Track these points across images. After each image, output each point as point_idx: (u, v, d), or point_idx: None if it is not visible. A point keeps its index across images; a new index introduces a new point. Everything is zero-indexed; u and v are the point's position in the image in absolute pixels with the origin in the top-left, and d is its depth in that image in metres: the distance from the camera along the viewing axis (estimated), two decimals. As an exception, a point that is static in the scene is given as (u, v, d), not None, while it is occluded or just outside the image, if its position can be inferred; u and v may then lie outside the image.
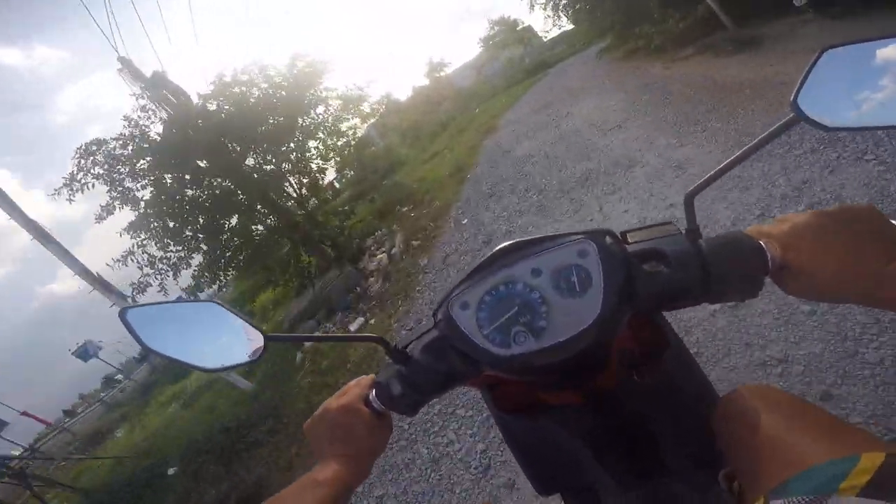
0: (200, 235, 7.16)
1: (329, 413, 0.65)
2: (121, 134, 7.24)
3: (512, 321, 0.55)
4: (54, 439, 15.27)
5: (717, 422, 0.61)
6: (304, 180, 8.56)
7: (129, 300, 6.79)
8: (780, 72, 5.18)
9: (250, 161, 7.91)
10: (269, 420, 4.53)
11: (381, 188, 10.88)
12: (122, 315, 0.60)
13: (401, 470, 2.81)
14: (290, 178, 8.27)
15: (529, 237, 0.60)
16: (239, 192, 7.72)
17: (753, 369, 2.01)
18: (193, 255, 7.28)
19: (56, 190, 6.97)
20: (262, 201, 8.03)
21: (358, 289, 6.76)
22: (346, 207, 8.52)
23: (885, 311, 0.62)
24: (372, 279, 6.72)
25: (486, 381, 0.74)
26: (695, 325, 2.35)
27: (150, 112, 7.17)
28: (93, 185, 6.99)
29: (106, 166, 7.01)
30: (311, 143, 8.35)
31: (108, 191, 7.08)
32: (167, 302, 0.77)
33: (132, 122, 7.23)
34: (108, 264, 6.86)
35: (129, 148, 7.16)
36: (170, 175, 7.41)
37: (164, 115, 7.29)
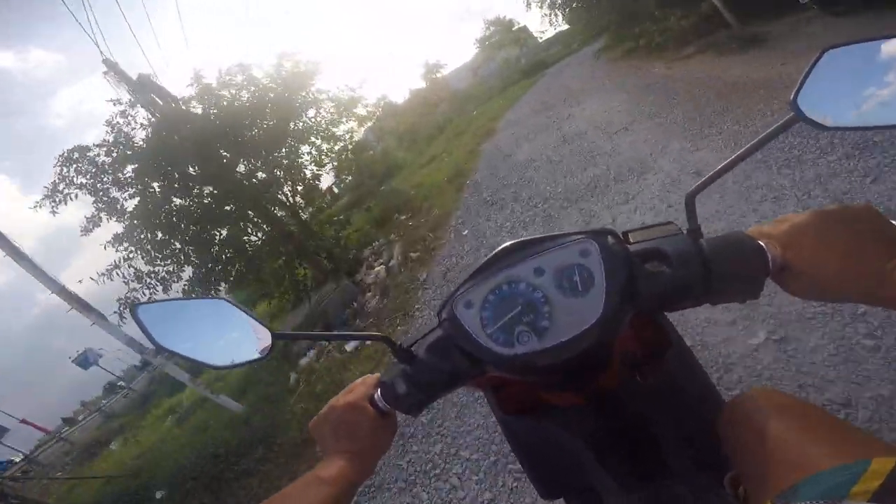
0: (189, 248, 6.83)
1: (334, 411, 0.65)
2: (104, 140, 6.93)
3: (515, 320, 0.55)
4: (52, 448, 15.23)
5: (724, 426, 0.61)
6: (298, 187, 8.26)
7: (117, 317, 6.56)
8: (792, 71, 4.96)
9: (241, 168, 7.61)
10: (260, 447, 4.30)
11: (379, 195, 10.57)
12: (134, 312, 0.61)
13: (399, 517, 2.53)
14: (284, 186, 7.95)
15: (532, 236, 0.60)
16: (230, 200, 7.41)
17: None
18: (184, 268, 6.98)
19: (37, 203, 6.66)
20: (255, 210, 7.75)
21: (355, 304, 6.48)
22: (342, 216, 8.21)
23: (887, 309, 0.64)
24: (369, 294, 6.44)
25: (489, 382, 0.73)
26: (736, 361, 2.07)
27: (130, 117, 6.83)
28: (75, 196, 6.69)
29: (90, 175, 6.71)
30: (304, 148, 8.03)
31: (94, 201, 6.79)
32: (178, 299, 0.84)
33: (115, 128, 6.89)
34: (92, 278, 6.60)
35: (114, 155, 6.86)
36: (157, 183, 7.10)
37: (146, 121, 6.96)
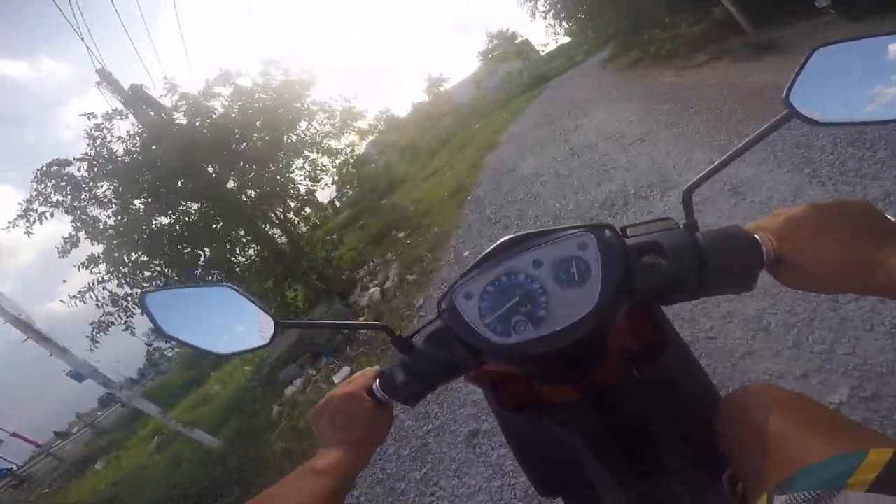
0: (171, 269, 6.37)
1: (332, 401, 0.66)
2: (85, 154, 6.52)
3: (513, 310, 0.55)
4: (42, 463, 15.13)
5: (721, 422, 0.61)
6: (292, 204, 7.82)
7: (89, 342, 6.10)
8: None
9: (231, 184, 7.19)
10: (236, 489, 3.96)
11: (377, 210, 10.14)
12: (142, 300, 0.63)
13: None
14: (276, 202, 7.50)
15: (531, 230, 0.61)
16: (218, 217, 6.98)
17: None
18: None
19: (10, 222, 6.23)
20: (245, 227, 7.33)
21: (346, 330, 6.00)
22: (335, 236, 7.75)
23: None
24: (362, 318, 5.96)
25: (488, 378, 0.74)
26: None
27: (106, 130, 6.42)
28: (51, 215, 6.27)
29: (67, 192, 6.29)
30: (298, 163, 7.61)
31: (72, 220, 6.37)
32: (184, 286, 0.84)
33: (96, 140, 6.48)
34: (62, 301, 6.17)
35: (95, 170, 6.44)
36: (140, 199, 6.67)
37: (128, 133, 6.55)
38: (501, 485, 2.23)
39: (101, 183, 6.30)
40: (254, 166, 6.98)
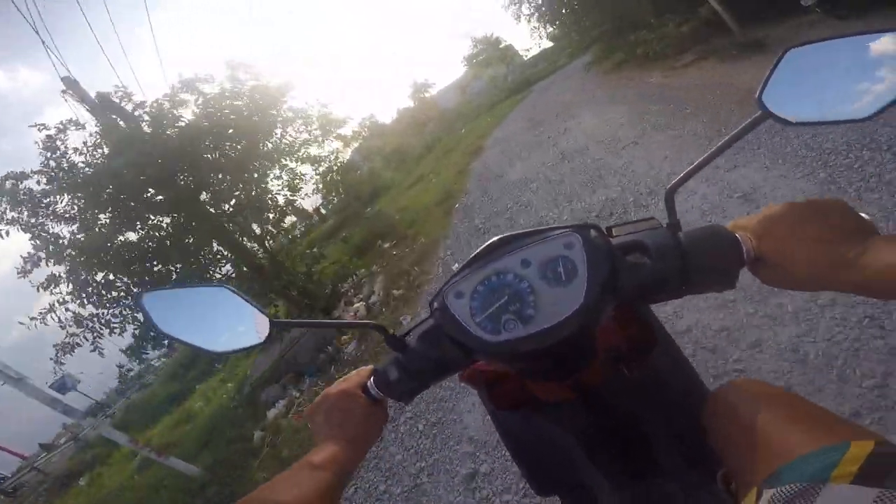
0: (137, 289, 5.95)
1: (328, 399, 0.67)
2: (42, 166, 6.06)
3: (502, 309, 0.56)
4: (27, 476, 14.68)
5: (707, 419, 0.61)
6: (271, 215, 7.44)
7: (54, 364, 5.69)
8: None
9: (204, 195, 6.78)
10: None
11: (362, 218, 9.80)
12: (138, 299, 0.63)
13: None
14: (252, 214, 7.11)
15: (519, 231, 0.62)
16: (191, 231, 6.58)
17: None
18: (136, 312, 6.11)
19: (-39, 241, 5.78)
20: (220, 241, 6.93)
21: (329, 348, 5.67)
22: (315, 249, 7.39)
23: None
24: (346, 336, 5.62)
25: (482, 377, 0.74)
26: None
27: (60, 142, 6.00)
28: (7, 233, 5.82)
29: (24, 208, 5.84)
30: (276, 172, 7.23)
31: (30, 238, 5.92)
32: (180, 286, 0.93)
33: (55, 152, 6.03)
34: (21, 323, 5.73)
35: (54, 184, 6.00)
36: (105, 214, 6.24)
37: (84, 144, 6.13)
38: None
39: (60, 197, 5.85)
40: (227, 177, 6.59)
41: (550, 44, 27.14)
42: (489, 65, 33.08)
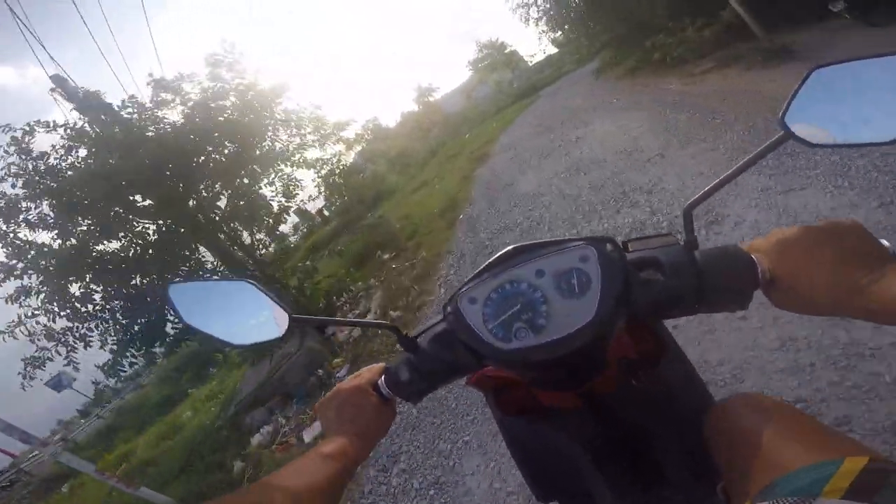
0: (115, 303, 5.52)
1: (340, 393, 0.68)
2: (21, 168, 5.63)
3: (514, 317, 0.56)
4: (14, 476, 14.64)
5: (709, 432, 0.62)
6: (267, 221, 6.99)
7: (23, 377, 5.23)
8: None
9: (193, 203, 6.35)
10: None
11: (363, 224, 9.34)
12: (165, 291, 0.65)
13: None
14: (245, 221, 6.67)
15: (535, 241, 0.62)
16: (178, 240, 6.16)
17: None
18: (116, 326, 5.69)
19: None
20: (209, 249, 6.50)
21: (320, 371, 5.23)
22: (308, 262, 6.94)
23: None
24: (338, 359, 5.17)
25: (490, 383, 0.75)
26: None
27: (27, 142, 5.58)
28: (-24, 244, 5.39)
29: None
30: (270, 177, 6.80)
31: (2, 246, 5.50)
32: (205, 279, 0.98)
33: (28, 154, 5.61)
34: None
35: (30, 188, 5.58)
36: (87, 220, 5.81)
37: (52, 147, 5.71)
38: None
39: (35, 203, 5.43)
40: (217, 183, 6.16)
41: (555, 50, 26.84)
42: (494, 69, 32.79)
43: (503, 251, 0.62)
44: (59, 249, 5.55)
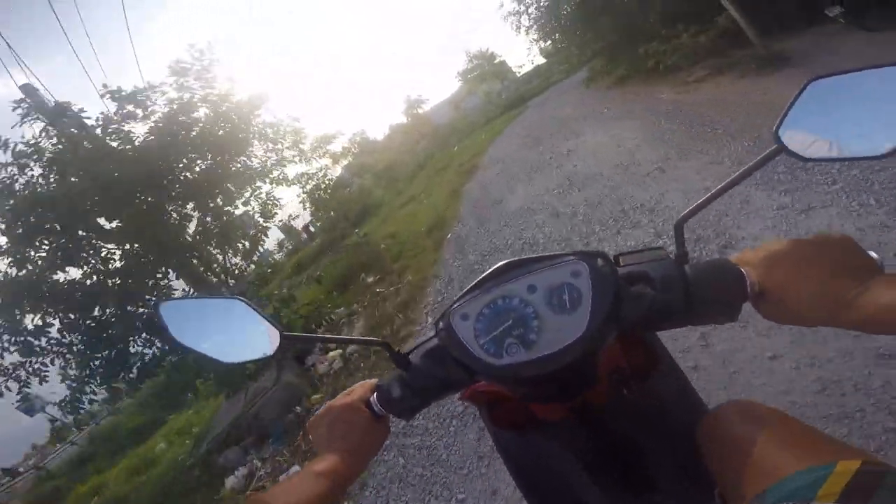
0: (73, 336, 5.09)
1: (331, 411, 0.68)
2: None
3: (506, 333, 0.57)
4: None
5: (702, 440, 0.62)
6: (241, 245, 6.57)
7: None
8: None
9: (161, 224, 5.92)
10: None
11: (348, 243, 8.92)
12: (156, 308, 0.67)
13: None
14: (219, 243, 6.25)
15: (527, 256, 0.62)
16: (146, 266, 5.73)
17: None
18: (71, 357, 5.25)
19: None
20: (181, 275, 6.06)
21: (298, 408, 4.82)
22: (285, 291, 6.52)
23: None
24: (317, 396, 4.77)
25: (483, 397, 0.75)
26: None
27: None
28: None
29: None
30: (247, 195, 6.40)
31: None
32: (196, 297, 1.60)
33: None
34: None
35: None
36: (47, 244, 5.37)
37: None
38: None
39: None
40: (189, 203, 5.75)
41: (543, 60, 26.86)
42: (484, 80, 32.76)
43: (495, 266, 0.62)
44: (13, 280, 5.10)
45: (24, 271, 5.18)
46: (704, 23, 7.87)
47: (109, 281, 5.44)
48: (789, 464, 0.45)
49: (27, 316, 5.08)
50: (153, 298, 5.43)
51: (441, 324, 0.61)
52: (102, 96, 5.45)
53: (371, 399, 0.67)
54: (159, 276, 5.73)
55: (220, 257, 6.26)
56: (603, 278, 0.56)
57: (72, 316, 5.10)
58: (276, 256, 21.26)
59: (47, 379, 5.13)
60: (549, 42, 15.43)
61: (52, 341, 5.01)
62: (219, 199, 6.11)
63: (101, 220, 5.69)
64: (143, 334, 5.51)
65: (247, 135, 6.11)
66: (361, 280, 6.80)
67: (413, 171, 17.54)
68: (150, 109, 5.50)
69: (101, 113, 5.60)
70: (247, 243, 6.41)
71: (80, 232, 5.54)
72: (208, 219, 5.99)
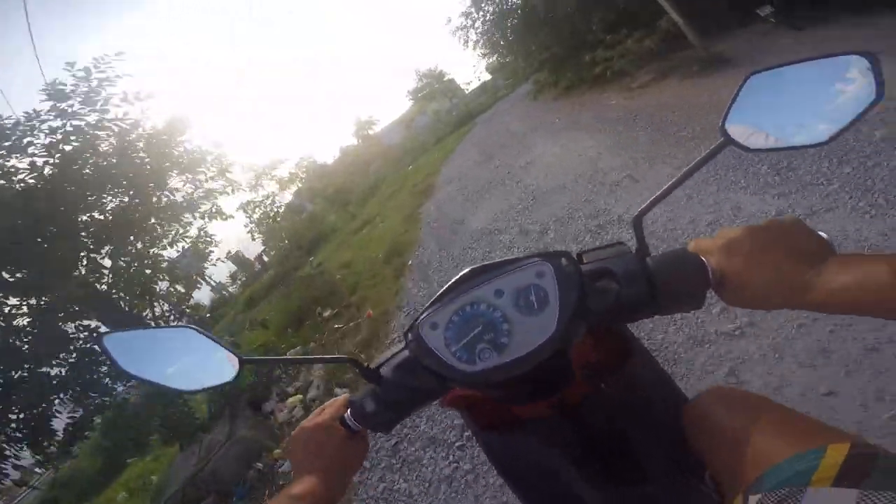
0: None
1: (304, 432, 0.65)
2: None
3: (477, 339, 0.56)
4: None
5: (687, 427, 0.62)
6: (175, 289, 5.85)
7: None
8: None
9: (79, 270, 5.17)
10: None
11: (298, 279, 8.26)
12: (99, 341, 0.62)
13: None
14: (147, 290, 5.50)
15: (492, 261, 0.62)
16: (59, 321, 4.97)
17: None
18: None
19: None
20: (107, 324, 5.29)
21: (260, 464, 4.22)
22: (233, 338, 5.85)
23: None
24: (279, 451, 4.19)
25: (464, 402, 0.74)
26: None
27: None
28: None
29: None
30: (172, 234, 5.72)
31: None
32: (144, 328, 1.19)
33: None
34: None
35: None
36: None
37: None
38: None
39: None
40: (104, 246, 5.03)
41: (489, 76, 27.18)
42: (433, 98, 32.81)
43: (460, 274, 0.61)
44: None
45: None
46: (647, 27, 7.95)
47: (16, 341, 4.64)
48: (780, 450, 0.45)
49: None
50: (78, 343, 4.68)
51: (410, 335, 0.60)
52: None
53: (345, 415, 0.65)
54: (73, 331, 4.97)
55: (147, 308, 5.53)
56: (567, 277, 0.56)
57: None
58: (231, 289, 20.06)
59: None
60: (495, 56, 15.49)
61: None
62: (138, 243, 5.40)
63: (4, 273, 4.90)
64: (62, 394, 4.75)
65: (163, 165, 5.43)
66: (318, 314, 6.22)
67: (366, 193, 17.03)
68: (26, 141, 4.58)
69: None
70: (181, 287, 5.72)
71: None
72: (125, 263, 5.23)
